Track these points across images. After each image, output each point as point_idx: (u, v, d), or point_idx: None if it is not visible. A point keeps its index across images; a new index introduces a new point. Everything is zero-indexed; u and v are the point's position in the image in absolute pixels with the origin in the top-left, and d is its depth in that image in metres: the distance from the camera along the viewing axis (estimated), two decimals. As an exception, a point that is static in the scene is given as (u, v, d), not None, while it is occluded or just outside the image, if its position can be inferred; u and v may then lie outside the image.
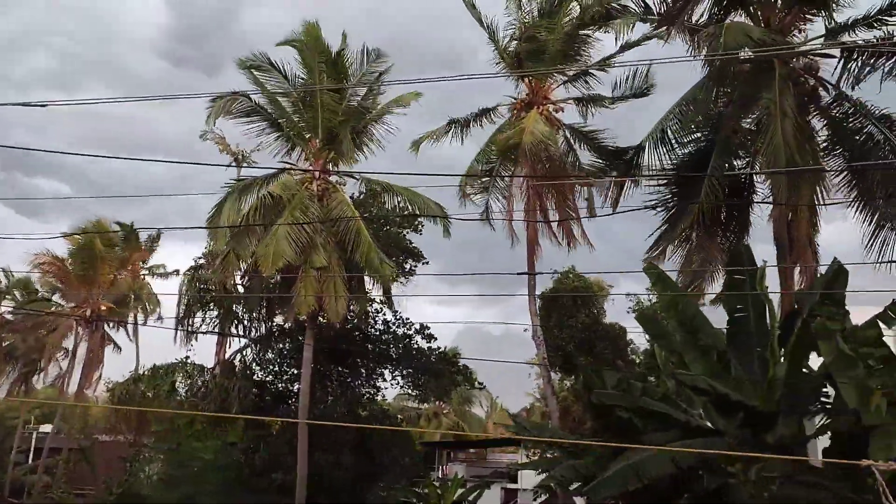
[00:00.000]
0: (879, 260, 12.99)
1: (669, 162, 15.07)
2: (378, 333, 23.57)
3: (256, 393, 23.15)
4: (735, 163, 14.99)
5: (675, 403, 12.49)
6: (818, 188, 13.78)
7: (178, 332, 24.99)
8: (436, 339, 23.69)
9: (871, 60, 12.95)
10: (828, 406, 11.33)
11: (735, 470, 10.43)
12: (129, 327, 35.46)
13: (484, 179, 20.20)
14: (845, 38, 13.52)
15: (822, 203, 13.79)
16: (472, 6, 19.80)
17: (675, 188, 15.27)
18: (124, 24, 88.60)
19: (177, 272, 34.96)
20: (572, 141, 20.31)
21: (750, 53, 12.76)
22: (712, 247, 15.00)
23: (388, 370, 23.98)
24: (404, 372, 23.91)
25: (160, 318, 34.42)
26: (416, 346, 23.49)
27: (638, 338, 25.61)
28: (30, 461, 36.83)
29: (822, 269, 12.13)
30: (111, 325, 34.84)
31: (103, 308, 33.64)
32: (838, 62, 13.62)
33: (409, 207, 20.46)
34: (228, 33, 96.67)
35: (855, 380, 9.31)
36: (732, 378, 11.70)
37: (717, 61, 12.43)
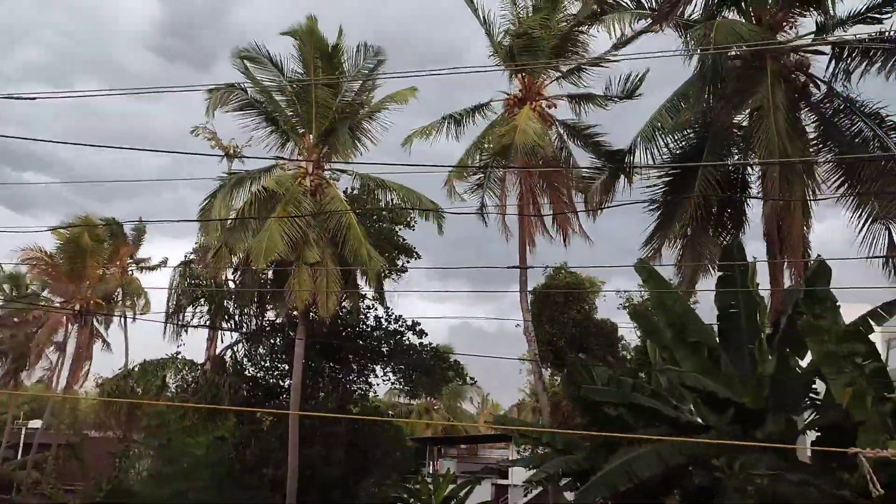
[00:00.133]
0: (869, 255, 13.04)
1: (661, 158, 15.06)
2: (370, 330, 23.54)
3: (247, 389, 23.09)
4: (727, 161, 15.00)
5: (666, 400, 12.53)
6: (810, 184, 13.82)
7: (168, 327, 24.89)
8: (427, 335, 23.72)
9: (862, 57, 12.99)
10: (817, 402, 11.40)
11: (720, 463, 10.49)
12: (119, 322, 35.33)
13: (478, 176, 20.24)
14: (836, 35, 13.55)
15: (813, 199, 13.84)
16: (469, 0, 19.74)
17: (667, 186, 15.27)
18: (115, 18, 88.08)
19: (165, 262, 34.86)
20: (565, 137, 20.35)
21: (742, 48, 12.76)
22: (707, 243, 15.05)
23: (379, 366, 23.96)
24: (395, 368, 23.89)
25: (145, 308, 34.32)
26: (407, 342, 23.48)
27: (629, 334, 25.73)
28: (19, 457, 36.63)
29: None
30: (99, 320, 34.65)
31: (92, 303, 33.45)
32: (829, 59, 13.67)
33: (403, 204, 20.43)
34: (220, 28, 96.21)
35: (842, 376, 9.36)
36: (723, 375, 11.74)
37: (708, 59, 12.41)
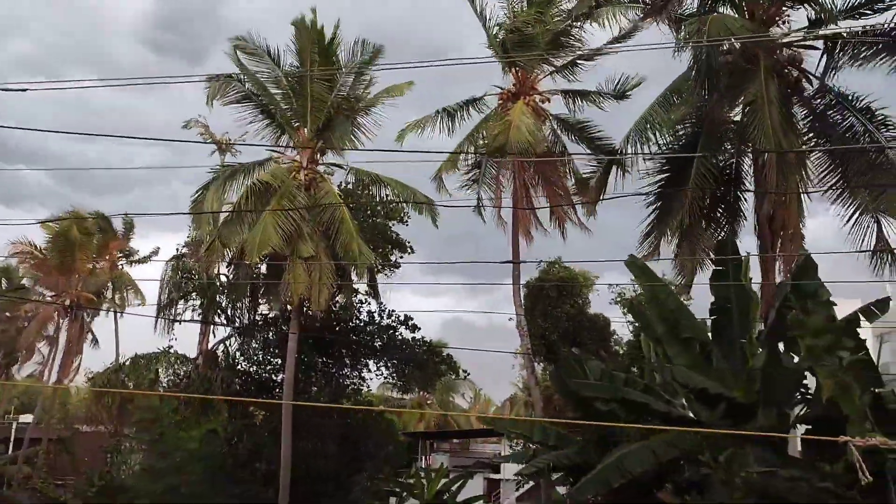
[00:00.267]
0: (859, 249, 13.14)
1: (657, 149, 15.08)
2: (363, 324, 23.52)
3: (240, 383, 23.04)
4: (721, 157, 15.04)
5: (658, 395, 12.58)
6: (803, 176, 13.87)
7: (160, 321, 24.80)
8: (420, 329, 23.71)
9: (854, 51, 13.05)
10: (808, 396, 11.48)
11: (705, 458, 10.55)
12: (109, 316, 35.16)
13: (473, 172, 20.27)
14: (829, 30, 13.59)
15: (805, 191, 13.91)
16: None
17: (662, 182, 15.29)
18: (107, 12, 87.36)
19: (156, 251, 34.69)
20: (559, 132, 20.37)
21: (734, 43, 12.78)
22: (702, 238, 15.12)
23: (372, 361, 23.96)
24: (388, 363, 23.89)
25: (141, 301, 34.16)
26: (399, 336, 23.48)
27: (621, 329, 25.82)
28: (9, 451, 36.47)
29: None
30: (88, 315, 34.47)
31: (82, 297, 33.27)
32: (822, 54, 13.73)
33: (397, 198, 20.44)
34: (213, 22, 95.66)
35: (828, 369, 9.44)
36: (714, 370, 11.80)
37: (702, 51, 12.43)
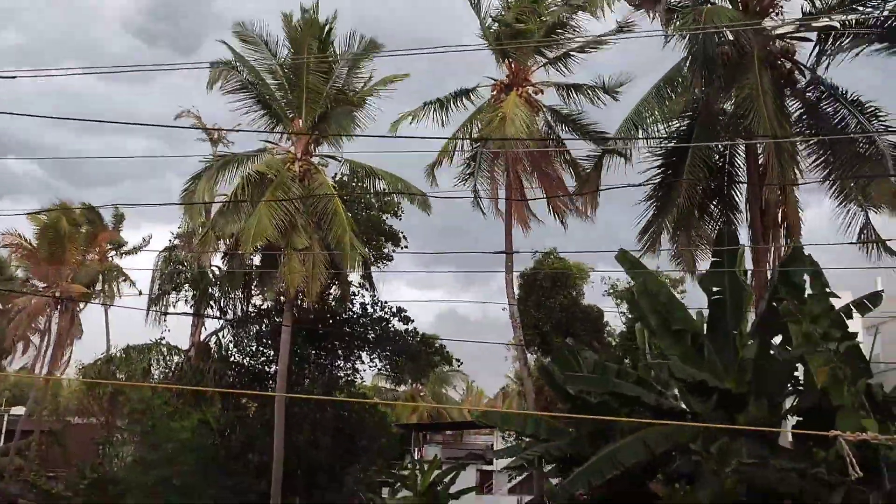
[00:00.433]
0: (845, 241, 13.21)
1: (649, 146, 15.08)
2: (356, 316, 23.46)
3: (233, 375, 22.96)
4: (716, 150, 15.04)
5: (650, 386, 12.62)
6: (794, 170, 13.90)
7: (151, 312, 24.66)
8: (413, 321, 23.68)
9: (847, 42, 13.07)
10: (799, 387, 11.52)
11: (696, 447, 10.60)
12: (100, 308, 34.95)
13: (467, 164, 20.27)
14: (821, 22, 13.59)
15: (797, 183, 13.96)
16: None
17: (659, 173, 15.28)
18: (97, 1, 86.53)
19: (148, 239, 34.47)
20: (553, 123, 20.33)
21: (728, 35, 12.78)
22: (699, 229, 15.14)
23: (365, 353, 23.91)
24: (381, 355, 23.86)
25: (138, 292, 33.95)
26: (392, 328, 23.44)
27: (614, 319, 25.88)
28: (1, 443, 36.32)
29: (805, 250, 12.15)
30: (79, 307, 34.26)
31: (73, 288, 33.06)
32: (814, 46, 13.73)
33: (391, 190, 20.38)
34: (204, 11, 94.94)
35: (818, 358, 9.47)
36: (706, 361, 11.83)
37: (698, 38, 12.42)
